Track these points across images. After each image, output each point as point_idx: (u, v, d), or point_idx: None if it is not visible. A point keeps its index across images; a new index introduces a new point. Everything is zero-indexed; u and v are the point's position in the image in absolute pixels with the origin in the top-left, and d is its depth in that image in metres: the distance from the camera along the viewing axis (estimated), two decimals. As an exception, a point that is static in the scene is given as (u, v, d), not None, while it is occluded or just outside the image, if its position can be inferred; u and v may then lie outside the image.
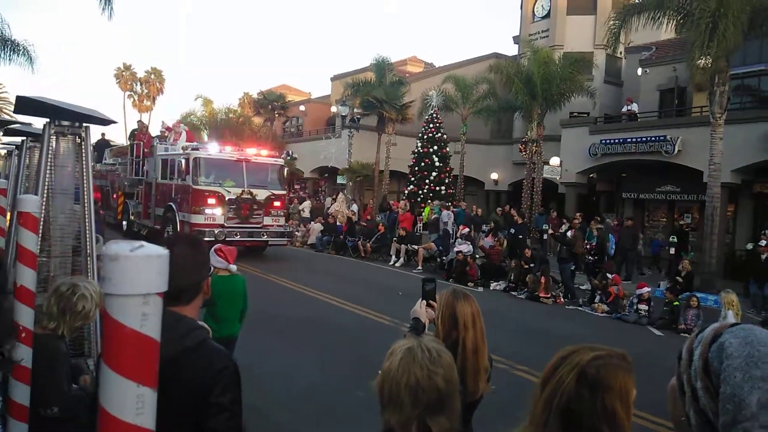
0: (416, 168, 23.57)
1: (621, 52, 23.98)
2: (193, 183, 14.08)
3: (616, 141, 20.47)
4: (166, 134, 17.67)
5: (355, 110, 26.74)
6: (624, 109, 22.20)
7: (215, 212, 14.06)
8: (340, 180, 27.74)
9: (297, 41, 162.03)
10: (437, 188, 22.86)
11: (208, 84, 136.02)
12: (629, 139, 20.02)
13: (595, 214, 18.85)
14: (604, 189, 23.54)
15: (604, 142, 20.85)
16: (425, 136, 23.60)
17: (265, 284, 11.81)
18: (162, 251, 0.98)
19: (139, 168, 17.61)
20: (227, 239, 13.39)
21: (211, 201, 14.03)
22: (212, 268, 4.41)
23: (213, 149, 14.93)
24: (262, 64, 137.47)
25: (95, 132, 22.98)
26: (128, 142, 19.94)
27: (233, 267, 4.75)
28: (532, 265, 13.28)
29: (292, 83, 54.81)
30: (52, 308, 2.69)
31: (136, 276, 0.95)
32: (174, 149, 15.86)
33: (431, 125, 23.62)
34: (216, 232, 13.59)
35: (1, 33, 17.15)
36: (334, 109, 31.02)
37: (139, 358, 0.99)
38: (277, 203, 15.20)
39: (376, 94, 25.14)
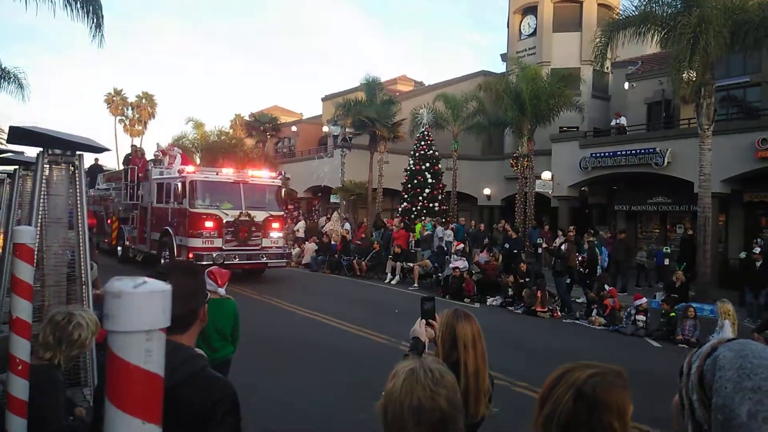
0: (409, 185, 23.66)
1: (607, 67, 24.33)
2: (190, 206, 13.89)
3: (606, 154, 20.66)
4: (160, 158, 17.61)
5: (346, 129, 26.88)
6: (613, 123, 22.45)
7: (213, 235, 13.88)
8: (333, 199, 27.78)
9: (288, 63, 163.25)
10: (430, 205, 22.94)
11: (200, 107, 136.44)
12: (619, 152, 20.22)
13: (589, 227, 18.94)
14: (597, 202, 23.69)
15: (594, 155, 21.03)
16: (417, 154, 23.74)
17: (261, 306, 11.74)
18: (165, 287, 0.99)
19: (133, 192, 17.44)
20: (226, 262, 13.21)
21: (209, 224, 13.84)
22: (208, 294, 4.40)
23: (209, 171, 14.75)
24: (253, 86, 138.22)
25: (88, 159, 22.97)
26: (122, 167, 19.77)
27: (221, 290, 4.72)
28: (527, 279, 13.29)
29: (284, 104, 55.07)
30: (47, 338, 2.67)
31: (140, 313, 0.95)
32: (169, 173, 15.71)
33: (423, 143, 23.78)
34: (214, 255, 13.37)
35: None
36: (325, 129, 31.19)
37: (144, 394, 0.98)
38: (275, 224, 15.02)
39: (368, 113, 25.32)
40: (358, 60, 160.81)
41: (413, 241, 19.75)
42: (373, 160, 26.26)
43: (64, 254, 4.19)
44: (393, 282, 16.52)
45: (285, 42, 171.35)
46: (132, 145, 18.97)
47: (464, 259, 15.50)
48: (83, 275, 4.12)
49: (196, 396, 1.69)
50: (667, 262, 15.61)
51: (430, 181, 23.34)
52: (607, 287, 12.66)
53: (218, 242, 13.89)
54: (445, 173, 24.45)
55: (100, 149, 4.38)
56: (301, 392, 6.62)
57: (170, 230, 14.56)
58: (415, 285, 15.77)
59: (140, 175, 17.21)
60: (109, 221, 19.29)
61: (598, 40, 15.98)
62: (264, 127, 36.05)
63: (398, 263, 16.86)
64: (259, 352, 7.46)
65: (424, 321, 2.61)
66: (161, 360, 1.00)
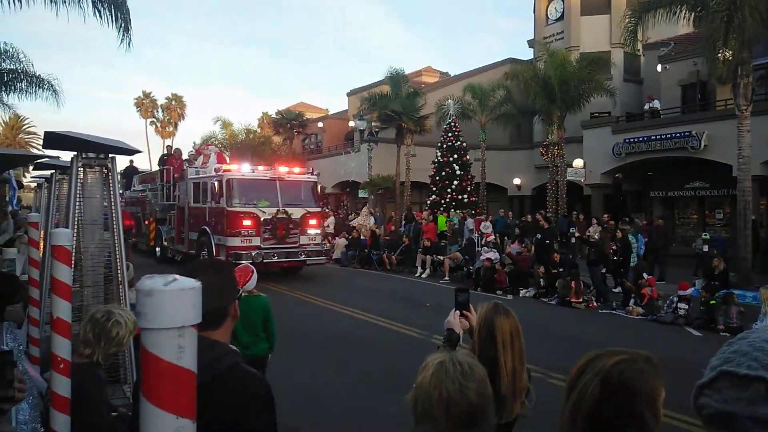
0: (437, 178, 23.54)
1: (639, 50, 23.70)
2: (227, 205, 13.81)
3: (640, 139, 20.17)
4: (196, 157, 17.67)
5: (373, 124, 26.87)
6: (646, 107, 21.90)
7: (251, 234, 13.76)
8: (361, 194, 27.85)
9: (313, 59, 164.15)
10: (459, 197, 22.78)
11: (227, 106, 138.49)
12: (653, 137, 19.70)
13: (624, 214, 18.53)
14: (631, 188, 23.16)
15: (627, 141, 20.55)
16: (444, 146, 23.59)
17: (292, 301, 11.85)
18: (195, 283, 0.99)
19: (170, 193, 17.47)
20: (265, 261, 13.30)
21: (247, 222, 13.73)
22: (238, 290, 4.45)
23: (245, 169, 14.70)
24: (279, 84, 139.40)
25: (123, 161, 23.47)
26: (158, 168, 19.79)
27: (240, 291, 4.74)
28: (561, 270, 13.09)
29: (310, 100, 55.47)
30: (87, 335, 2.73)
31: (171, 310, 0.95)
32: (205, 172, 15.72)
33: (450, 134, 23.61)
34: (253, 254, 13.28)
35: (26, 70, 17.73)
36: (352, 123, 31.24)
37: (178, 390, 0.99)
38: (312, 221, 14.86)
39: (393, 106, 25.26)
40: (383, 53, 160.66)
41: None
42: (400, 154, 26.21)
43: (100, 255, 4.29)
44: (423, 275, 16.48)
45: (310, 39, 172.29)
46: (168, 146, 19.15)
47: (495, 250, 15.35)
48: (120, 275, 4.21)
49: (231, 391, 1.69)
50: (706, 248, 15.17)
51: (458, 172, 23.16)
52: (645, 276, 12.36)
53: (256, 241, 13.75)
54: (473, 164, 24.25)
55: (131, 151, 4.47)
56: (332, 385, 6.67)
57: (208, 230, 14.53)
58: (446, 278, 15.70)
59: (176, 175, 17.24)
60: (146, 222, 19.38)
61: (628, 21, 15.57)
62: (291, 124, 36.33)
63: (428, 256, 16.80)
64: (290, 347, 7.54)
65: (458, 312, 2.57)
66: (194, 356, 1.00)
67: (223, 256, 13.18)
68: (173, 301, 0.95)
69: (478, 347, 2.48)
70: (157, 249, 18.26)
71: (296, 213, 14.39)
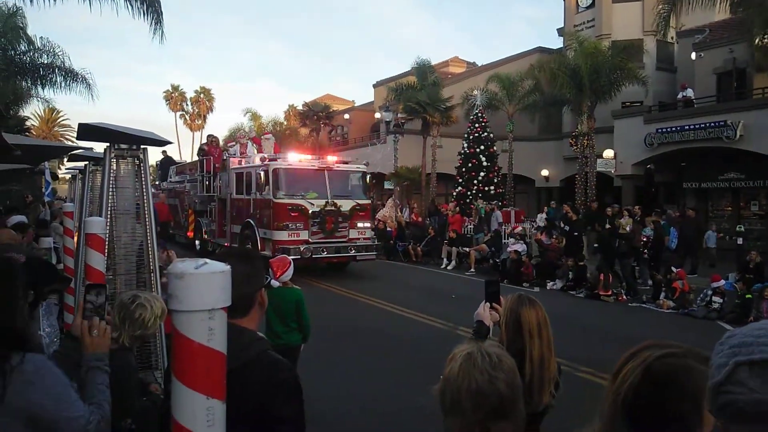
0: (463, 169, 23.38)
1: (672, 37, 23.06)
2: (274, 196, 13.08)
3: (673, 129, 19.66)
4: (233, 145, 17.10)
5: (398, 115, 26.79)
6: (679, 96, 21.32)
7: (299, 227, 13.03)
8: (387, 185, 27.84)
9: (339, 50, 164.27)
10: (486, 188, 22.60)
11: (254, 99, 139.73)
12: (687, 127, 19.18)
13: (656, 206, 18.12)
14: (664, 180, 22.63)
15: (660, 131, 20.06)
16: (471, 137, 23.39)
17: (319, 293, 11.93)
18: (225, 267, 1.00)
19: (210, 184, 16.70)
20: (313, 256, 12.77)
21: (295, 215, 13.00)
22: (267, 278, 4.51)
23: (292, 159, 13.95)
24: (305, 76, 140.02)
25: (158, 153, 23.69)
26: (198, 158, 18.82)
27: (275, 282, 4.79)
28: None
29: (336, 92, 55.61)
30: (115, 319, 2.80)
31: (201, 292, 0.97)
32: (249, 162, 15.03)
33: (477, 125, 23.39)
34: (301, 249, 12.68)
35: (63, 64, 18.17)
36: (378, 115, 31.21)
37: (208, 371, 1.01)
38: (362, 214, 14.07)
39: (419, 97, 25.13)
40: (410, 44, 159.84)
41: (471, 225, 19.43)
42: (426, 145, 26.10)
43: (133, 244, 4.38)
44: (449, 267, 16.43)
45: (336, 30, 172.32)
46: (208, 135, 18.51)
47: (522, 242, 15.21)
48: (151, 263, 4.29)
49: (260, 378, 1.71)
50: (740, 241, 14.75)
51: (485, 164, 22.96)
52: (674, 269, 12.10)
53: (304, 234, 13.04)
54: (500, 155, 24.00)
55: (162, 142, 4.55)
56: (359, 377, 6.71)
57: (252, 222, 13.88)
58: (472, 270, 15.62)
59: (217, 165, 16.51)
60: (184, 215, 18.76)
61: (661, 8, 15.17)
62: (317, 116, 36.50)
63: (454, 248, 16.73)
64: (318, 337, 7.60)
65: (488, 304, 2.55)
66: (223, 338, 1.02)
67: (269, 251, 12.45)
68: (204, 284, 0.97)
69: (505, 338, 2.46)
70: (197, 242, 17.72)
71: (345, 205, 13.64)
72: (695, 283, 12.10)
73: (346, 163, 15.06)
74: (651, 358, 1.27)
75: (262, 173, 13.35)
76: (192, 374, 0.99)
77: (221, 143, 18.51)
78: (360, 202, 14.12)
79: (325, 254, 13.19)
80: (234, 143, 17.71)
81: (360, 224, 14.01)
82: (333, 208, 13.42)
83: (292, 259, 12.02)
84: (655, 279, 12.30)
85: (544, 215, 18.16)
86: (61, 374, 1.62)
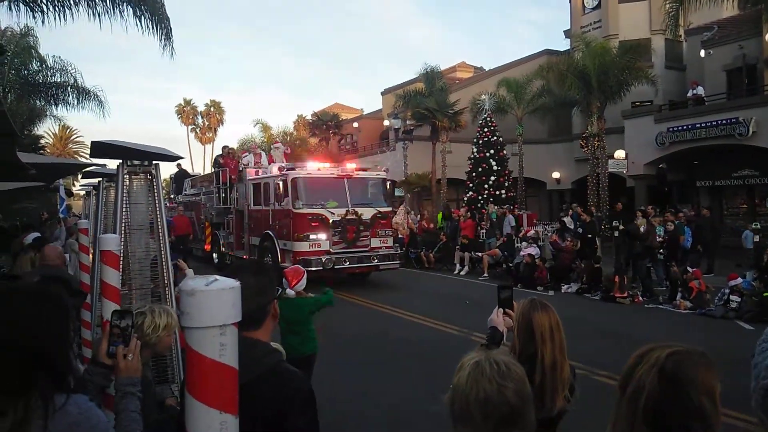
0: (474, 174, 23.35)
1: (680, 35, 22.92)
2: (293, 207, 12.72)
3: (685, 128, 19.52)
4: (246, 156, 16.97)
5: (407, 122, 26.85)
6: (689, 94, 21.17)
7: (320, 237, 12.62)
8: (397, 192, 27.85)
9: (346, 59, 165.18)
10: (497, 192, 22.53)
11: (263, 109, 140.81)
12: (698, 125, 19.04)
13: (669, 205, 17.95)
14: (677, 179, 22.44)
15: (671, 129, 19.93)
16: (480, 141, 23.37)
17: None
18: (234, 283, 1.02)
19: (226, 195, 16.40)
20: (336, 267, 12.42)
21: (315, 225, 12.62)
22: (279, 290, 4.53)
23: (311, 167, 13.57)
24: (313, 86, 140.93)
25: (171, 167, 23.77)
26: (212, 170, 18.59)
27: (290, 291, 4.80)
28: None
29: (344, 101, 55.89)
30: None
31: (212, 309, 0.99)
32: (266, 172, 14.74)
33: (486, 129, 23.37)
34: (323, 260, 12.29)
35: (75, 82, 18.50)
36: (386, 123, 31.31)
37: (220, 386, 1.02)
38: (383, 222, 13.64)
39: (428, 104, 25.19)
40: (417, 51, 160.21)
41: (484, 230, 19.24)
42: (435, 151, 26.11)
43: (147, 258, 4.43)
44: (462, 273, 16.37)
45: (343, 39, 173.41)
46: (223, 146, 18.32)
47: (536, 245, 15.12)
48: (166, 277, 4.33)
49: (273, 390, 1.72)
50: (757, 239, 14.54)
51: (495, 168, 22.92)
52: (689, 269, 11.95)
53: (325, 245, 12.66)
54: (510, 159, 23.95)
55: (174, 158, 4.60)
56: (374, 384, 6.70)
57: (272, 234, 13.50)
58: (485, 275, 15.56)
59: (233, 176, 16.26)
60: (201, 227, 18.45)
61: (669, 6, 15.09)
62: (326, 125, 36.71)
63: (466, 253, 16.68)
64: (332, 345, 7.61)
65: (501, 310, 2.55)
66: (235, 353, 1.03)
67: (290, 263, 11.81)
68: (214, 301, 0.99)
69: (519, 344, 2.46)
70: (215, 255, 17.37)
71: (366, 213, 13.24)
72: (712, 283, 11.93)
73: (366, 170, 14.73)
74: (661, 359, 1.28)
75: (280, 183, 13.04)
76: (205, 390, 1.01)
77: (250, 150, 18.17)
78: (381, 209, 13.68)
79: (347, 264, 12.78)
80: (247, 153, 17.57)
81: (382, 233, 13.59)
82: (354, 216, 13.02)
83: (314, 270, 11.58)
84: (674, 277, 12.09)
85: (570, 218, 17.68)
86: (103, 415, 1.64)
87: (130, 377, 2.02)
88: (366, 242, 13.21)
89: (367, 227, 13.21)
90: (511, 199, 22.63)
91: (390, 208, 14.65)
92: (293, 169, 13.42)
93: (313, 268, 11.59)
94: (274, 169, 14.13)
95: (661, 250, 13.59)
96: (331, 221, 12.74)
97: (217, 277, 1.03)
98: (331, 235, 12.72)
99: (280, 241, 13.13)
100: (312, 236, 12.54)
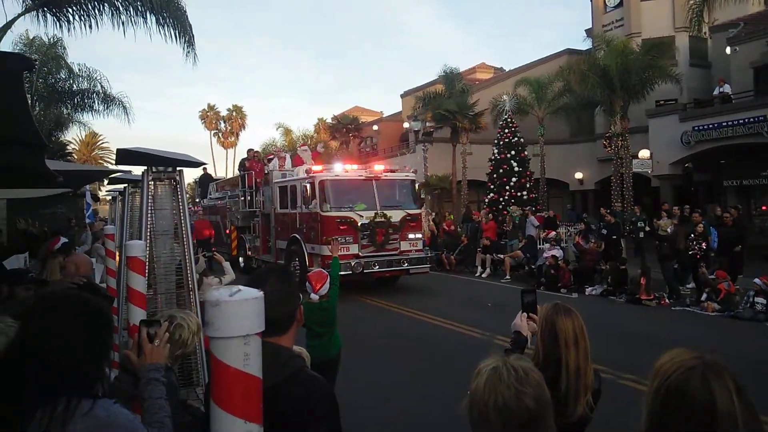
0: (494, 175, 23.19)
1: (705, 32, 22.51)
2: (321, 209, 12.54)
3: (711, 126, 19.14)
4: (271, 159, 16.94)
5: (427, 124, 26.79)
6: (715, 92, 20.75)
7: (349, 241, 12.34)
8: (418, 195, 27.80)
9: (366, 62, 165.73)
10: (518, 194, 22.34)
11: (284, 113, 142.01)
12: (725, 123, 18.65)
13: (695, 206, 17.59)
14: (703, 178, 22.00)
15: (697, 128, 19.55)
16: (501, 142, 23.20)
17: (353, 303, 11.93)
18: (258, 294, 1.03)
19: (252, 199, 16.24)
20: (365, 271, 12.25)
21: (344, 228, 12.39)
22: (301, 296, 4.56)
23: (338, 169, 13.37)
24: (333, 89, 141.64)
25: (195, 171, 23.94)
26: (238, 172, 18.43)
27: (314, 296, 4.83)
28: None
29: (364, 103, 55.97)
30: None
31: (236, 319, 1.00)
32: (292, 175, 14.58)
33: (507, 130, 23.20)
34: (352, 264, 11.97)
35: (100, 88, 18.90)
36: (406, 125, 31.28)
37: (245, 395, 1.04)
38: (413, 224, 13.34)
39: (448, 105, 25.10)
40: (436, 53, 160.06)
41: (508, 229, 19.03)
42: (455, 153, 26.01)
43: (172, 263, 4.50)
44: (484, 275, 16.27)
45: (362, 42, 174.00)
46: (249, 149, 18.19)
47: (559, 247, 14.96)
48: (190, 282, 4.39)
49: (296, 396, 1.73)
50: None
51: (516, 169, 22.73)
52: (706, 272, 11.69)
53: (354, 248, 12.38)
54: (532, 160, 23.73)
55: (197, 164, 4.67)
56: (397, 387, 6.69)
57: (299, 237, 13.30)
58: (507, 277, 15.43)
59: (258, 180, 16.13)
60: (227, 231, 18.24)
61: (693, 3, 14.81)
62: (346, 128, 36.84)
63: (488, 255, 16.57)
64: (354, 349, 7.62)
65: (525, 314, 2.53)
66: (259, 363, 1.04)
67: (318, 266, 11.63)
68: (238, 311, 1.00)
69: (542, 349, 2.43)
70: (240, 259, 17.17)
71: (395, 216, 12.94)
72: (740, 284, 11.66)
73: (394, 171, 14.46)
74: (686, 361, 1.26)
75: (308, 186, 12.83)
76: (229, 399, 1.02)
77: (274, 153, 18.08)
78: (410, 212, 13.37)
79: (377, 268, 12.50)
80: (272, 156, 17.53)
81: (411, 235, 13.27)
82: (383, 219, 12.75)
83: (343, 275, 11.53)
84: (702, 275, 11.82)
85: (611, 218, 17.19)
86: (130, 413, 1.67)
87: (154, 363, 2.04)
88: (395, 245, 12.94)
89: (397, 230, 12.98)
90: (533, 201, 22.42)
91: (419, 210, 14.35)
92: (320, 171, 13.17)
93: (343, 272, 11.51)
94: (301, 172, 13.98)
95: (690, 252, 13.31)
96: (359, 224, 12.54)
97: (241, 287, 1.04)
98: (359, 239, 12.50)
99: (308, 245, 12.95)
100: (340, 239, 12.21)
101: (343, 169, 13.42)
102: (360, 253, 12.43)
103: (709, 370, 1.24)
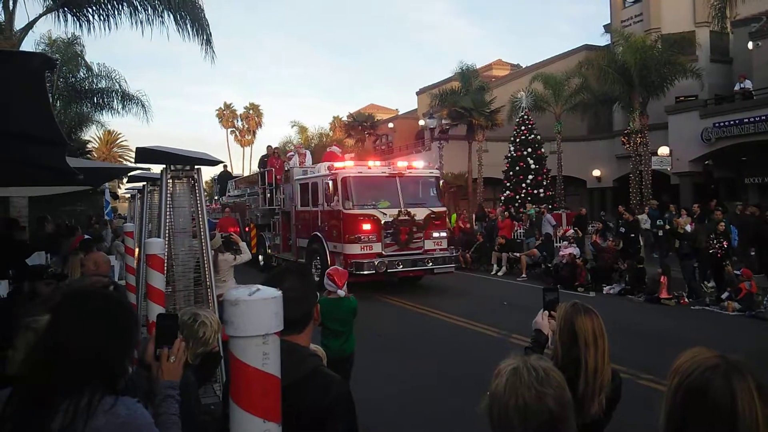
0: (511, 173, 23.07)
1: (727, 27, 22.09)
2: (344, 207, 12.17)
3: (732, 122, 18.82)
4: (292, 155, 16.76)
5: (443, 121, 26.69)
6: (737, 87, 20.39)
7: (372, 239, 12.05)
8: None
9: (381, 60, 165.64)
10: (535, 191, 22.19)
11: (300, 111, 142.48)
12: (746, 119, 18.34)
13: (716, 203, 17.31)
14: (723, 175, 21.63)
15: (717, 125, 19.24)
16: (518, 140, 23.07)
17: (369, 302, 11.89)
18: (276, 293, 1.03)
19: (272, 196, 15.94)
20: (389, 270, 11.96)
21: (367, 227, 12.02)
22: (318, 294, 4.56)
23: (361, 166, 13.12)
24: (348, 87, 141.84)
25: (213, 169, 24.07)
26: (258, 170, 18.23)
27: (341, 291, 4.83)
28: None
29: (380, 101, 56.00)
30: None
31: (256, 318, 1.00)
32: (314, 172, 14.27)
33: (523, 127, 23.07)
34: (376, 263, 11.73)
35: (119, 87, 19.11)
36: (422, 122, 31.21)
37: (263, 394, 1.04)
38: (437, 222, 13.00)
39: (464, 103, 25.00)
40: (452, 50, 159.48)
41: (520, 230, 19.04)
42: (471, 150, 25.90)
43: (190, 260, 4.54)
44: (500, 274, 16.16)
45: (378, 40, 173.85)
46: (268, 146, 18.05)
47: (575, 245, 14.81)
48: (208, 279, 4.43)
49: (312, 394, 1.73)
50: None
51: (533, 166, 22.58)
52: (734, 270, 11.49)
53: (377, 247, 12.08)
54: (549, 157, 23.54)
55: (215, 162, 4.70)
56: (414, 387, 6.68)
57: (320, 236, 13.00)
58: (523, 275, 15.32)
59: (278, 177, 15.82)
60: (246, 229, 17.85)
61: (714, -2, 14.57)
62: (362, 126, 36.87)
63: (504, 254, 16.46)
64: (371, 347, 7.63)
65: (546, 313, 2.51)
66: (277, 362, 1.05)
67: (341, 265, 10.93)
68: (257, 311, 1.01)
69: (561, 348, 2.40)
70: (260, 257, 16.76)
71: (419, 214, 12.58)
72: (763, 283, 11.45)
73: (417, 168, 14.00)
74: (708, 361, 1.24)
75: (330, 183, 12.45)
76: (248, 398, 1.03)
77: (295, 149, 17.95)
78: (434, 209, 12.96)
79: (400, 268, 12.19)
80: (293, 153, 17.30)
81: (435, 234, 12.90)
82: (407, 217, 12.35)
83: (366, 274, 11.31)
84: (727, 277, 11.63)
85: (645, 216, 16.92)
86: (150, 416, 1.70)
87: (171, 381, 2.07)
88: (419, 244, 12.56)
89: (421, 228, 12.58)
90: (549, 198, 22.25)
91: (444, 208, 13.88)
92: (343, 168, 12.84)
93: (366, 272, 11.37)
94: (323, 169, 13.73)
95: (711, 251, 13.10)
96: (382, 222, 12.17)
97: (260, 286, 1.04)
98: (382, 237, 12.17)
99: (330, 243, 12.63)
100: (363, 238, 12.01)
101: (366, 165, 13.14)
102: (383, 252, 12.13)
103: (733, 370, 1.22)
